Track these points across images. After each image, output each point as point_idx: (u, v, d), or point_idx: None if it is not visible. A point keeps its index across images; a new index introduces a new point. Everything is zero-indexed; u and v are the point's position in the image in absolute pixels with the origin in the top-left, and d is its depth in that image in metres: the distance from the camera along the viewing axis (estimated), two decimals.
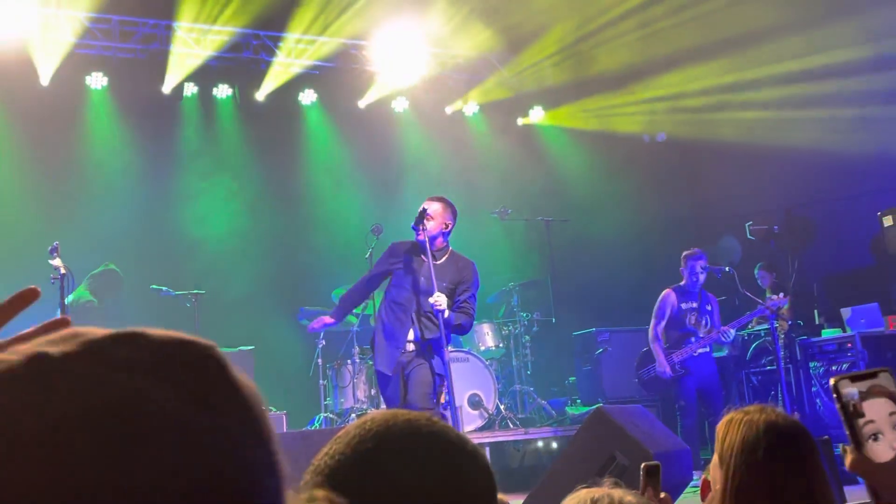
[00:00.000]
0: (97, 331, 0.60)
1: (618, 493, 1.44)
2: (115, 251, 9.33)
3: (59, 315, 5.32)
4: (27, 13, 9.09)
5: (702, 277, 7.83)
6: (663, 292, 7.97)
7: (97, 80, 9.81)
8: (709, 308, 7.90)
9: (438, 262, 5.91)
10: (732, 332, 7.82)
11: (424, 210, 5.86)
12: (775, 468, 1.80)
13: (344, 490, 0.92)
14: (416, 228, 5.88)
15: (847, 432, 1.25)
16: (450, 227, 6.02)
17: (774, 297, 7.68)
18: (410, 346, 5.83)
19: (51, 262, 5.45)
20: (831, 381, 1.28)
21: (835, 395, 1.26)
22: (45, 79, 9.49)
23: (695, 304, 7.85)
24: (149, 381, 0.57)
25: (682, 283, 7.93)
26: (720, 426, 1.94)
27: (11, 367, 0.56)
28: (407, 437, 0.99)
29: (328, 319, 6.41)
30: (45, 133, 9.62)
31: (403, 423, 1.00)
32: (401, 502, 0.94)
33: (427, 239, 5.83)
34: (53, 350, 0.57)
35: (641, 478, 1.81)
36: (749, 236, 9.32)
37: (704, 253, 7.90)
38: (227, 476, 0.56)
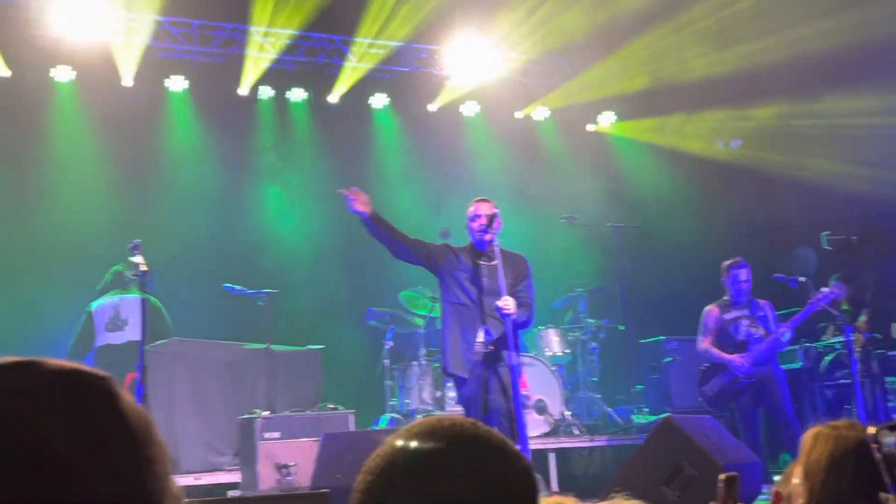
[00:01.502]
0: (6, 360, 0.65)
1: None
2: (192, 249, 9.59)
3: (142, 311, 5.47)
4: (111, 16, 9.39)
5: (745, 287, 7.59)
6: (705, 309, 7.80)
7: (177, 83, 10.10)
8: (761, 314, 7.67)
9: (494, 263, 5.95)
10: (788, 333, 7.46)
11: (496, 214, 5.88)
12: (865, 489, 1.73)
13: (391, 489, 0.98)
14: (486, 230, 5.90)
15: (889, 481, 1.23)
16: (501, 225, 6.06)
17: (825, 289, 7.39)
18: (482, 347, 5.83)
19: (132, 259, 5.59)
20: (870, 431, 1.26)
21: (874, 445, 1.24)
22: (127, 80, 9.79)
23: (745, 313, 7.64)
24: (33, 408, 0.61)
25: (726, 296, 7.70)
26: (806, 438, 1.89)
27: None
28: (451, 440, 1.02)
29: (363, 206, 5.88)
30: (126, 133, 9.93)
31: (448, 426, 1.04)
32: (443, 501, 0.98)
33: (497, 241, 5.86)
34: None
35: (720, 488, 1.80)
36: (825, 246, 9.09)
37: (747, 262, 7.66)
38: (101, 500, 0.60)
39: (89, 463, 0.61)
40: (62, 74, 9.64)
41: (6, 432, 0.59)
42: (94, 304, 8.07)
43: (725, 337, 7.62)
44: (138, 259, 5.56)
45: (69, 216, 9.45)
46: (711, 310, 7.74)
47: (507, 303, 5.66)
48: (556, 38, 10.74)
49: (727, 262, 7.71)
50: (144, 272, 5.51)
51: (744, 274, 7.60)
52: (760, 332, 7.54)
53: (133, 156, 10.01)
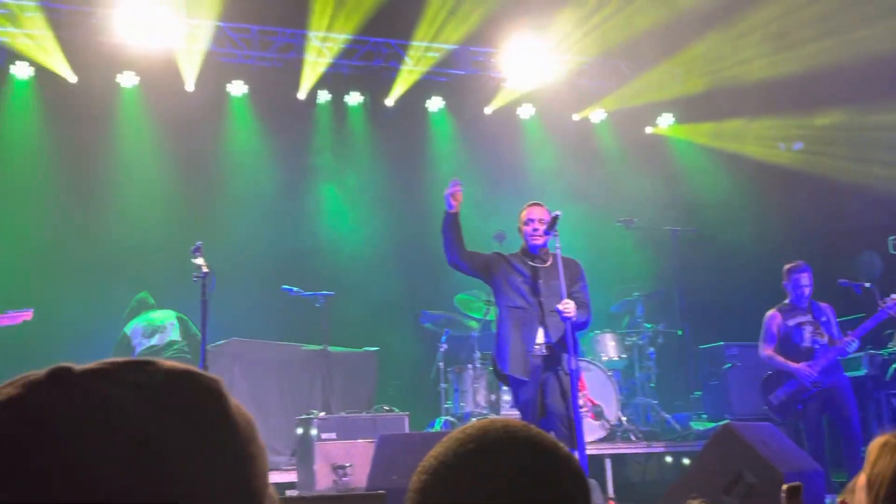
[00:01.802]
0: (124, 358, 0.70)
1: None
2: (252, 251, 9.74)
3: (203, 312, 5.58)
4: (174, 23, 9.59)
5: (807, 291, 7.41)
6: (766, 314, 7.63)
7: (238, 88, 10.28)
8: (824, 319, 7.48)
9: (548, 265, 5.92)
10: (855, 342, 7.23)
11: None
12: None
13: (444, 488, 1.01)
14: (549, 233, 5.87)
15: None
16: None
17: (894, 296, 7.16)
18: (541, 349, 5.80)
19: (193, 260, 5.69)
20: None
21: None
22: (189, 85, 9.99)
23: (808, 318, 7.46)
24: (149, 403, 0.64)
25: (787, 300, 7.54)
26: (873, 447, 1.83)
27: (37, 375, 0.66)
28: (503, 441, 1.04)
29: (456, 202, 5.91)
30: (188, 136, 10.14)
31: (501, 428, 1.06)
32: (495, 501, 0.99)
33: (559, 244, 5.81)
34: (74, 368, 0.66)
35: (783, 498, 1.76)
36: (892, 251, 8.86)
37: (809, 266, 7.49)
38: (205, 497, 0.63)
39: (199, 457, 0.64)
40: (127, 80, 9.87)
41: (125, 425, 0.63)
42: (127, 327, 8.25)
43: (789, 344, 7.45)
44: (199, 261, 5.65)
45: (133, 218, 9.68)
46: (774, 315, 7.56)
47: (567, 306, 5.62)
48: (613, 41, 10.66)
49: (788, 266, 7.54)
50: (206, 273, 5.60)
51: (805, 278, 7.43)
52: (825, 339, 7.36)
53: (194, 159, 10.21)
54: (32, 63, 9.50)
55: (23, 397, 0.64)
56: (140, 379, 0.66)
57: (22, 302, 6.14)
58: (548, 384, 5.72)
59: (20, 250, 9.14)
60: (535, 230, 5.94)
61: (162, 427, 0.64)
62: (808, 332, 7.39)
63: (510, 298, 5.96)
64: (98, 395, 0.64)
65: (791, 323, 7.45)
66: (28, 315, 5.88)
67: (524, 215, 6.06)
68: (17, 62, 9.45)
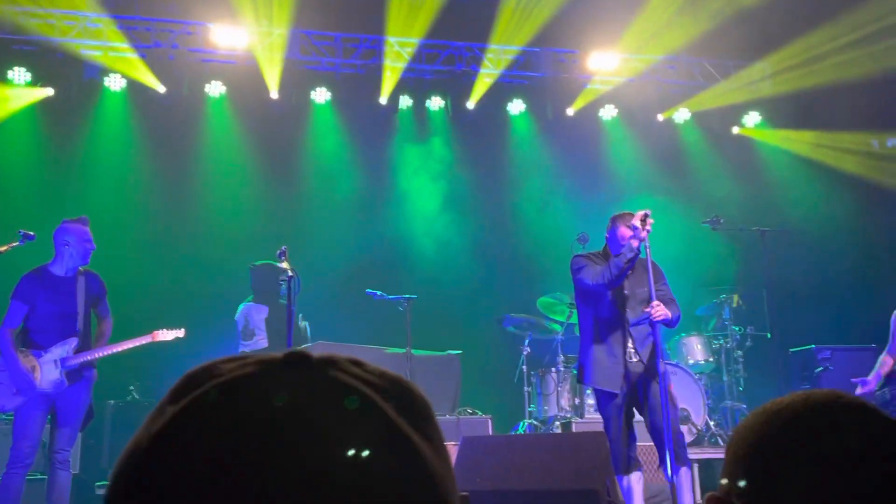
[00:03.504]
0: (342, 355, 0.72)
1: None
2: (335, 255, 9.88)
3: (288, 315, 5.68)
4: (260, 32, 9.83)
5: None
6: (894, 312, 7.21)
7: (321, 95, 10.45)
8: None
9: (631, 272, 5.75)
10: None
11: (647, 214, 5.54)
12: None
13: (777, 447, 1.04)
14: (636, 229, 5.60)
15: None
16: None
17: None
18: (629, 357, 5.60)
19: (279, 265, 5.80)
20: None
21: None
22: (274, 93, 10.21)
23: None
24: (375, 394, 0.66)
25: None
26: None
27: (272, 355, 0.69)
28: (849, 403, 1.05)
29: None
30: (274, 143, 10.38)
31: (851, 396, 1.07)
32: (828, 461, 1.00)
33: (648, 244, 5.59)
34: (311, 353, 0.69)
35: None
36: None
37: None
38: (421, 481, 0.65)
39: (415, 451, 0.66)
40: (214, 89, 10.14)
41: (372, 413, 0.65)
42: (237, 311, 8.48)
43: None
44: (285, 265, 5.75)
45: (220, 222, 9.94)
46: None
47: (657, 309, 5.44)
48: (697, 40, 10.46)
49: None
50: (291, 277, 5.70)
51: None
52: None
53: (279, 165, 10.43)
54: (124, 75, 9.85)
55: (260, 374, 0.67)
56: (363, 374, 0.69)
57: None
58: (637, 392, 5.56)
59: (112, 248, 9.43)
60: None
61: (399, 422, 0.66)
62: None
63: (597, 309, 5.75)
64: (339, 382, 0.67)
65: None
66: (180, 333, 6.20)
67: (619, 233, 5.71)
68: (111, 74, 9.81)
